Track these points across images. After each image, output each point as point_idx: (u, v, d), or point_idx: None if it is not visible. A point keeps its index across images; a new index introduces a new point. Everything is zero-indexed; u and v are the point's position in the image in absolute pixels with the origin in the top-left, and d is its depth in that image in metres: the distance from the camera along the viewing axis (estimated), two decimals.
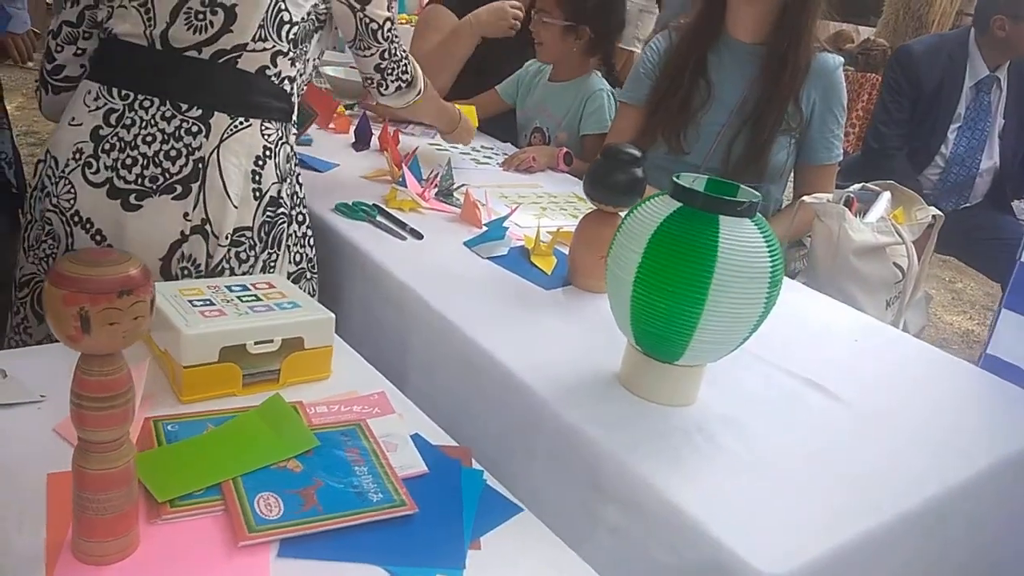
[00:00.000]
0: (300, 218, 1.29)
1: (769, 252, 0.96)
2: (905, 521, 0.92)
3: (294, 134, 1.30)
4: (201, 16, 1.14)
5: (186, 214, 1.16)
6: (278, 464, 0.82)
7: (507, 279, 1.35)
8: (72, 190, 1.16)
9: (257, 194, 1.19)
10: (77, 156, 1.16)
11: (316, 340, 1.00)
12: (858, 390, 1.16)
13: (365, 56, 1.35)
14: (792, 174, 1.94)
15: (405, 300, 1.26)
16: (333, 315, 1.02)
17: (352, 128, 2.00)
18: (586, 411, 1.00)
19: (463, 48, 2.17)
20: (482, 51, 2.20)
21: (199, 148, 1.15)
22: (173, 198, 1.15)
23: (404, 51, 1.41)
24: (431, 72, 1.60)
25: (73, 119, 1.18)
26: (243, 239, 1.20)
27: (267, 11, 1.16)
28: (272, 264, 1.24)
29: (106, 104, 1.16)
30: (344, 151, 1.92)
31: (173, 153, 1.15)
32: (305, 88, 1.33)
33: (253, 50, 1.17)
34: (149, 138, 1.15)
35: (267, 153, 1.20)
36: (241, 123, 1.18)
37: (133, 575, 0.67)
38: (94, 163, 1.15)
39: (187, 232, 1.16)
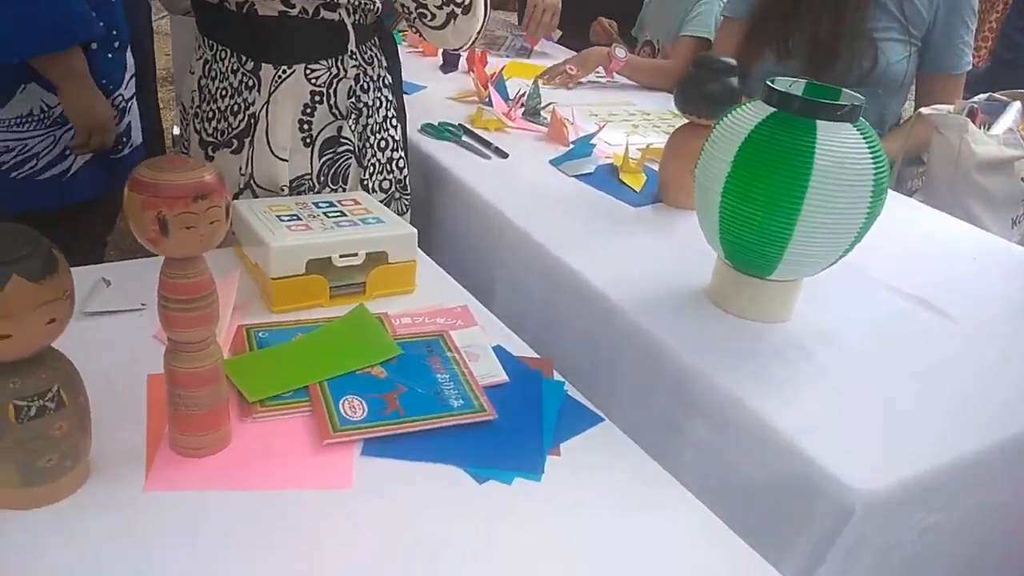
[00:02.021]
0: (382, 144, 1.23)
1: (873, 158, 0.89)
2: (1003, 449, 0.86)
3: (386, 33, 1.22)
4: None
5: (240, 168, 1.15)
6: (362, 370, 0.84)
7: (594, 197, 1.32)
8: (187, 135, 1.23)
9: (308, 140, 1.15)
10: (192, 103, 1.20)
11: (400, 255, 1.01)
12: (971, 310, 1.09)
13: None
14: (914, 87, 1.79)
15: (491, 218, 1.25)
16: (415, 230, 1.03)
17: (440, 49, 1.98)
18: (673, 327, 0.97)
19: None
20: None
21: (253, 103, 1.13)
22: (231, 152, 1.16)
23: None
24: None
25: (191, 67, 1.21)
26: (303, 185, 1.17)
27: None
28: None
29: (203, 53, 1.18)
30: (432, 73, 1.91)
31: (235, 108, 1.14)
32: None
33: (263, 3, 1.08)
34: (222, 92, 1.15)
35: (316, 98, 1.13)
36: (284, 72, 1.11)
37: (225, 467, 0.70)
38: (200, 113, 1.18)
39: (242, 186, 1.16)
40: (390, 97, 1.22)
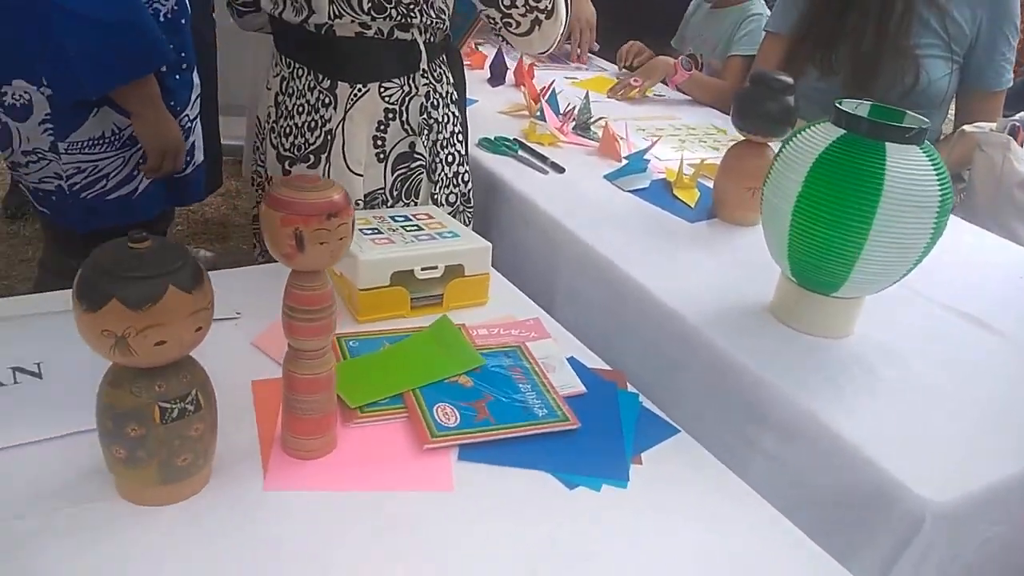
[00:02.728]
0: (450, 159, 1.27)
1: (939, 180, 0.93)
2: None
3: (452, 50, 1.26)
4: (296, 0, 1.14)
5: None
6: (450, 379, 0.88)
7: (650, 212, 1.36)
8: (264, 149, 1.28)
9: (381, 156, 1.20)
10: (268, 119, 1.25)
11: (475, 267, 1.05)
12: (1022, 328, 1.12)
13: None
14: (954, 102, 1.82)
15: (551, 231, 1.29)
16: (490, 244, 1.07)
17: (487, 63, 2.03)
18: (739, 340, 1.01)
19: None
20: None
21: (329, 120, 1.18)
22: (308, 167, 1.21)
23: None
24: None
25: (268, 83, 1.26)
26: (377, 199, 1.22)
27: None
28: None
29: (281, 71, 1.23)
30: (480, 86, 1.95)
31: (312, 124, 1.19)
32: (444, 15, 1.20)
33: (341, 24, 1.13)
34: (299, 108, 1.20)
35: (389, 115, 1.18)
36: (360, 90, 1.16)
37: (335, 469, 0.75)
38: (276, 128, 1.23)
39: None
40: (457, 113, 1.27)
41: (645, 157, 1.47)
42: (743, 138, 1.32)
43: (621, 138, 1.59)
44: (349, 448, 0.78)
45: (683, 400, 1.02)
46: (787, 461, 0.91)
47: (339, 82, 1.16)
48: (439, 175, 1.25)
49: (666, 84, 2.04)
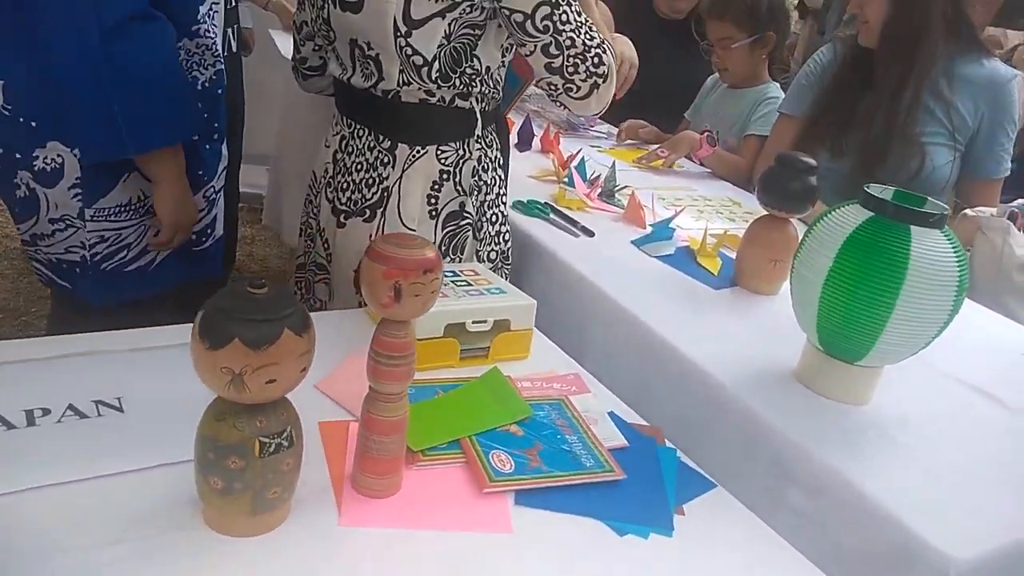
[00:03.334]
0: (494, 218, 1.35)
1: (957, 262, 1.00)
2: None
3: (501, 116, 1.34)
4: (366, 66, 1.22)
5: (371, 236, 1.27)
6: (502, 427, 0.93)
7: (676, 277, 1.43)
8: (318, 202, 1.35)
9: (433, 213, 1.27)
10: (325, 174, 1.33)
11: (520, 323, 1.11)
12: None
13: (529, 57, 1.17)
14: (955, 187, 1.92)
15: (583, 291, 1.36)
16: (535, 301, 1.13)
17: (515, 129, 2.12)
18: (767, 401, 1.07)
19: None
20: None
21: (387, 178, 1.26)
22: (363, 220, 1.28)
23: (588, 35, 1.15)
24: None
25: (327, 140, 1.34)
26: None
27: (400, 59, 1.17)
28: None
29: (341, 130, 1.31)
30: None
31: (370, 181, 1.27)
32: (499, 85, 1.28)
33: (407, 91, 1.21)
34: (358, 166, 1.28)
35: (444, 176, 1.26)
36: (418, 151, 1.24)
37: (402, 507, 0.79)
38: (333, 183, 1.31)
39: None
40: (502, 176, 1.35)
41: (670, 225, 1.55)
42: (763, 212, 1.40)
43: (645, 206, 1.67)
44: (413, 489, 0.82)
45: (712, 456, 1.08)
46: (813, 517, 0.96)
47: (400, 143, 1.24)
48: (483, 233, 1.32)
49: (690, 158, 2.15)
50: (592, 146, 2.20)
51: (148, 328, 1.03)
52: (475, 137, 1.27)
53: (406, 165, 1.24)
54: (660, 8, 2.50)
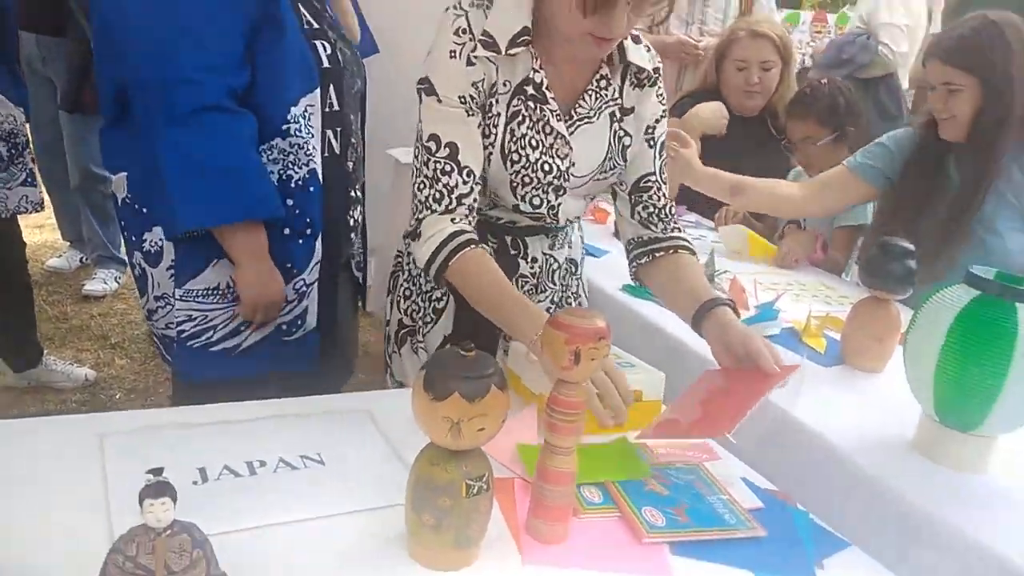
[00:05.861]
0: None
1: None
2: None
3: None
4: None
5: None
6: (649, 487, 1.03)
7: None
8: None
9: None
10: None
11: (651, 394, 1.22)
12: None
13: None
14: None
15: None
16: (664, 375, 1.24)
17: (609, 219, 2.28)
18: (889, 470, 1.14)
19: None
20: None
21: None
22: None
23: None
24: None
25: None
26: None
27: None
28: None
29: None
30: (608, 238, 2.19)
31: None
32: None
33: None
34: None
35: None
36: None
37: (575, 553, 0.89)
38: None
39: None
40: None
41: (774, 307, 1.65)
42: (857, 295, 1.49)
43: (746, 290, 1.77)
44: (579, 537, 0.92)
45: (837, 519, 1.14)
46: (940, 572, 1.02)
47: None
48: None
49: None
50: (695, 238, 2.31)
51: (334, 395, 1.18)
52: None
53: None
54: (732, 106, 2.65)
